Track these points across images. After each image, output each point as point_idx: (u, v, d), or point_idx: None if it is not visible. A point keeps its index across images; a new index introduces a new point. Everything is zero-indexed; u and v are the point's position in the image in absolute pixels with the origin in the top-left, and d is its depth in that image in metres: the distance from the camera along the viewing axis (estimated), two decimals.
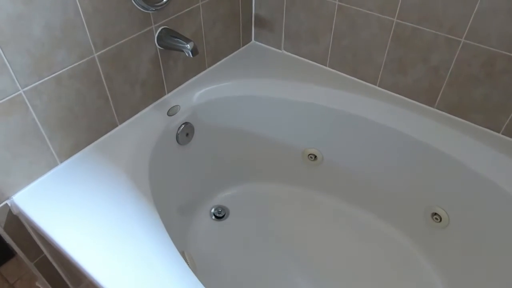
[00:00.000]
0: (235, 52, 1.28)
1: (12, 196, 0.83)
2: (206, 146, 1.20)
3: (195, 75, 1.17)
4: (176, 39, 0.96)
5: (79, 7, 0.78)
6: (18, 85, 0.74)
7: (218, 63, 1.23)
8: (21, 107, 0.77)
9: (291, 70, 1.20)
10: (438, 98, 1.05)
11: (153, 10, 0.93)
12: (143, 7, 0.90)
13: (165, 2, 0.93)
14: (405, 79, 1.07)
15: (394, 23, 1.00)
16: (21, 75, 0.74)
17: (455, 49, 0.95)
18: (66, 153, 0.90)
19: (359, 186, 1.24)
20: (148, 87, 1.02)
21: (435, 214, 1.10)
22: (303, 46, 1.22)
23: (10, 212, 0.85)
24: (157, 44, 0.99)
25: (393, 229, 1.22)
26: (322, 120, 1.16)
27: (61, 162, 0.90)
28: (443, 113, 1.06)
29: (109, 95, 0.93)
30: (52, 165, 0.88)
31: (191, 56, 0.95)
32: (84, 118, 0.90)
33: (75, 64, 0.82)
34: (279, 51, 1.29)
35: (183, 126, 1.09)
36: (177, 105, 1.08)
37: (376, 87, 1.14)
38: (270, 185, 1.35)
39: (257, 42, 1.33)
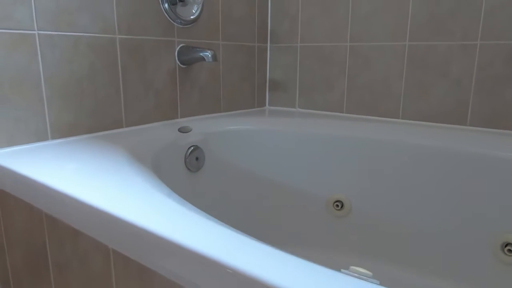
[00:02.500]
0: (249, 110, 1.27)
1: None
2: (216, 181, 1.05)
3: (209, 113, 1.13)
4: (196, 49, 0.98)
5: None
6: (35, 23, 0.72)
7: (232, 112, 1.21)
8: (31, 49, 0.72)
9: (307, 119, 1.17)
10: (469, 114, 0.98)
11: (178, 23, 0.98)
12: (169, 16, 0.96)
13: (191, 20, 1.00)
14: (428, 102, 1.03)
15: (406, 47, 1.04)
16: (41, 16, 0.72)
17: (473, 54, 0.95)
18: (61, 131, 0.78)
19: (399, 240, 1.01)
20: (162, 99, 0.98)
21: (507, 245, 0.86)
22: (317, 98, 1.23)
23: None
24: (177, 59, 1.00)
25: (447, 283, 0.93)
26: (349, 154, 1.05)
27: (53, 139, 0.77)
28: (478, 128, 0.97)
29: (121, 86, 0.88)
30: (41, 136, 0.75)
31: (211, 61, 0.94)
32: (91, 99, 0.82)
33: (96, 35, 0.81)
34: (294, 109, 1.29)
35: (192, 148, 0.98)
36: (190, 126, 1.00)
37: (399, 120, 1.09)
38: (286, 247, 1.10)
39: (271, 107, 1.34)
